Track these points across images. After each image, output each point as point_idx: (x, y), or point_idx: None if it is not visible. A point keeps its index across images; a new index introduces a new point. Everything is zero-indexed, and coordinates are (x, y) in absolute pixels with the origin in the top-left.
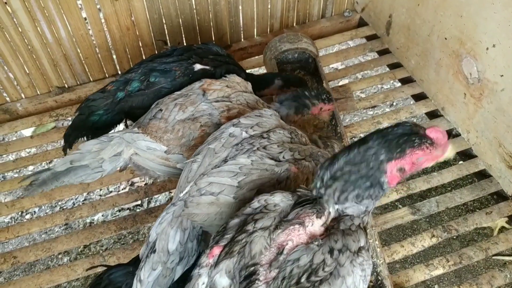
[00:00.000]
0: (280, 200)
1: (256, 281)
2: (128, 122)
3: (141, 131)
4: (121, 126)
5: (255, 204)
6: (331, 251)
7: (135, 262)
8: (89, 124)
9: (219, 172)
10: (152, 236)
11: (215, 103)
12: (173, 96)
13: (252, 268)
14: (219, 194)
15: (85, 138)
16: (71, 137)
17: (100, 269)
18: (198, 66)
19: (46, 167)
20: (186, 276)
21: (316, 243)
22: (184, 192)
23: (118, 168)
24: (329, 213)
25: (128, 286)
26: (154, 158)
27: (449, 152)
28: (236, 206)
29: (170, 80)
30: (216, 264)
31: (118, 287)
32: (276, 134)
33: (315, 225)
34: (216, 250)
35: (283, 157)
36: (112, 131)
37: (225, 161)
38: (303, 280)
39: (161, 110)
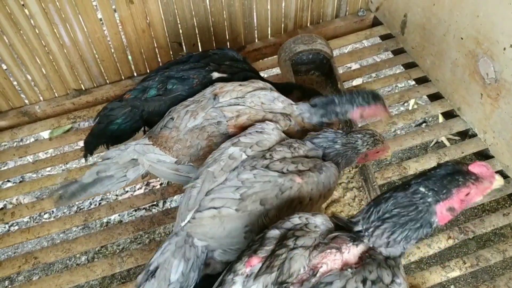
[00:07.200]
0: (321, 222)
1: None
2: (147, 129)
3: (152, 142)
4: (140, 133)
5: (296, 219)
6: (364, 281)
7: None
8: (108, 133)
9: (221, 189)
10: (153, 265)
11: (226, 108)
12: (185, 103)
13: (284, 286)
14: (220, 208)
15: (105, 146)
16: (92, 145)
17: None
18: (215, 75)
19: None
20: None
21: (350, 270)
22: (185, 221)
23: (141, 176)
24: (367, 245)
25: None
26: (165, 169)
27: (497, 182)
28: (239, 218)
29: (187, 88)
30: (256, 276)
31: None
32: (278, 153)
33: (351, 253)
34: (255, 260)
35: (287, 170)
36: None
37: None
38: None
39: (172, 118)
